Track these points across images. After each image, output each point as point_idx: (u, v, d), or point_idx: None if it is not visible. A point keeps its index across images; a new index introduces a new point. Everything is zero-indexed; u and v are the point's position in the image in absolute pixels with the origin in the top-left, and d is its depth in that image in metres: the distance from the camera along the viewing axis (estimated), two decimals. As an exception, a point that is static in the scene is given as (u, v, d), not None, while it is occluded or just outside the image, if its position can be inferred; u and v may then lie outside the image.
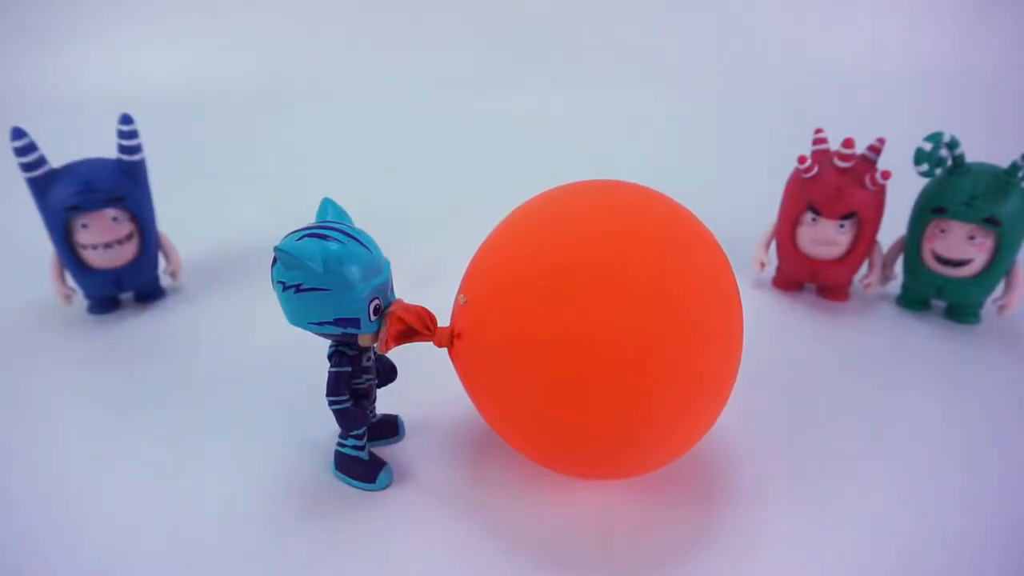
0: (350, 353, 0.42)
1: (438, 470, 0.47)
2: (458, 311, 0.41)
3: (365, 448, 0.45)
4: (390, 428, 0.50)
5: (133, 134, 0.66)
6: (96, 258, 0.65)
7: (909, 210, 0.68)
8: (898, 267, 0.71)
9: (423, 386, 0.54)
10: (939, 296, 0.67)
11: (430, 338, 0.41)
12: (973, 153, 0.65)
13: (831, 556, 0.40)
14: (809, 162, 0.66)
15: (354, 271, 0.37)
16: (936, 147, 0.63)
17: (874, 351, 0.63)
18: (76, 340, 0.65)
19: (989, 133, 1.01)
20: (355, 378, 0.43)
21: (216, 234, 0.90)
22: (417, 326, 0.40)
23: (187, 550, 0.40)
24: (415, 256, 0.80)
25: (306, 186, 1.11)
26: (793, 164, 0.68)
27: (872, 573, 0.39)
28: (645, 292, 0.35)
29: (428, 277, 0.75)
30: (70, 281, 0.68)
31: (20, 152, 0.61)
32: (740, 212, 0.75)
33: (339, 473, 0.45)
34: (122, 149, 0.66)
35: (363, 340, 0.40)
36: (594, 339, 0.35)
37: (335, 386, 0.41)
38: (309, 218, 0.42)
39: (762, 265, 0.74)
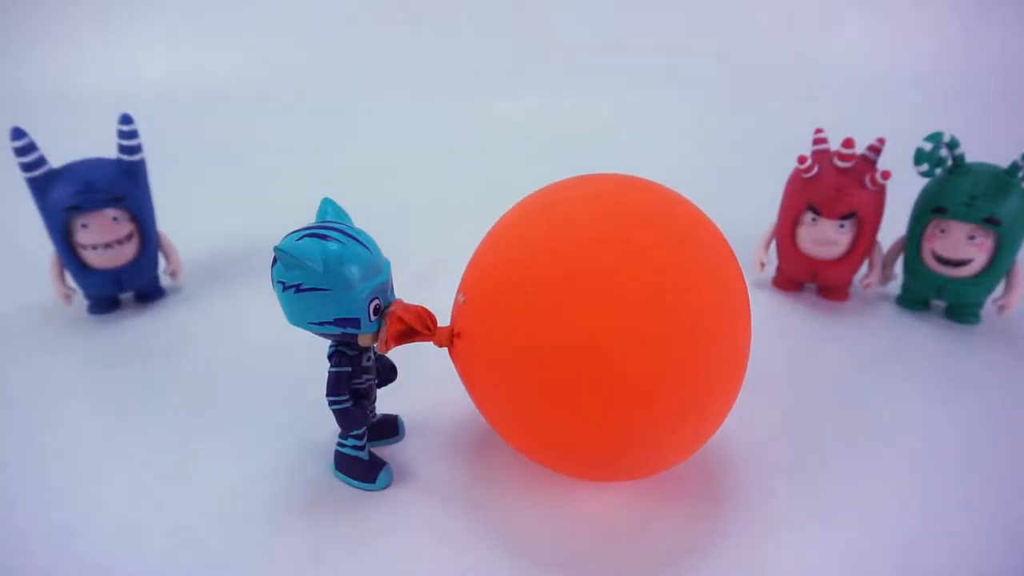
0: (350, 353, 0.42)
1: (438, 470, 0.47)
2: (458, 310, 0.41)
3: (365, 448, 0.45)
4: (390, 428, 0.50)
5: (133, 134, 0.66)
6: (96, 258, 0.65)
7: (909, 210, 0.68)
8: (898, 267, 0.71)
9: (423, 386, 0.54)
10: (939, 296, 0.67)
11: (430, 338, 0.41)
12: (973, 153, 0.65)
13: (832, 556, 0.40)
14: (809, 162, 0.66)
15: (354, 271, 0.37)
16: (936, 147, 0.63)
17: (874, 351, 0.63)
18: (76, 340, 0.65)
19: (989, 133, 1.01)
20: (355, 378, 0.43)
21: (216, 234, 0.90)
22: (417, 326, 0.40)
23: (187, 550, 0.40)
24: (415, 256, 0.80)
25: (306, 186, 1.11)
26: (793, 164, 0.68)
27: (872, 573, 0.39)
28: (649, 289, 0.34)
29: (428, 277, 0.75)
30: (70, 281, 0.68)
31: (20, 152, 0.61)
32: (740, 212, 0.75)
33: (339, 473, 0.45)
34: (122, 149, 0.66)
35: (363, 340, 0.40)
36: (596, 337, 0.34)
37: (335, 386, 0.41)
38: (309, 218, 0.42)
39: (762, 265, 0.74)
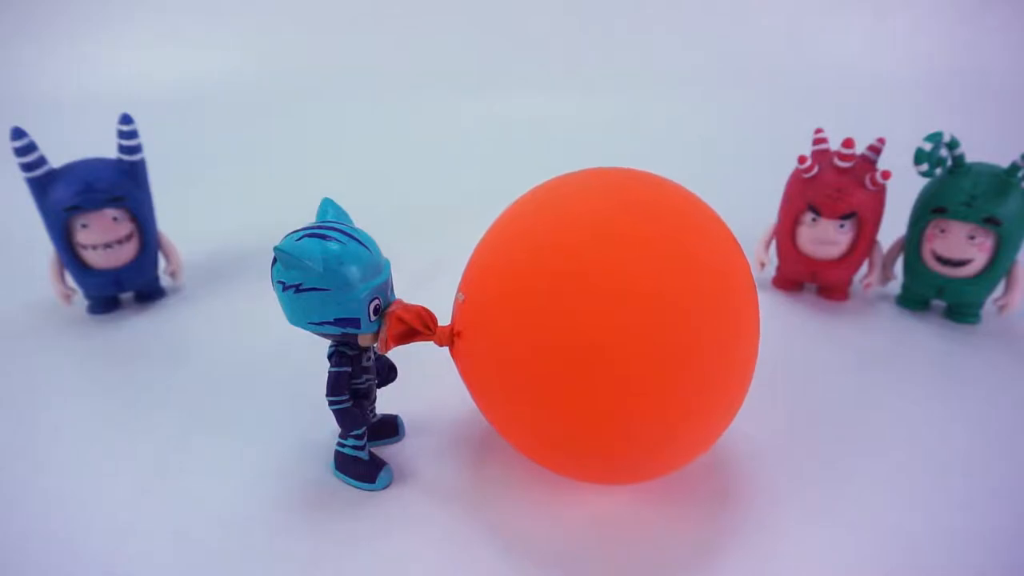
0: (350, 353, 0.42)
1: (438, 470, 0.47)
2: (458, 309, 0.41)
3: (365, 448, 0.45)
4: (390, 428, 0.50)
5: (133, 134, 0.66)
6: (96, 258, 0.65)
7: (909, 210, 0.68)
8: (898, 267, 0.71)
9: (423, 386, 0.54)
10: (939, 296, 0.67)
11: (431, 338, 0.41)
12: (973, 153, 0.65)
13: (832, 556, 0.40)
14: (809, 162, 0.66)
15: (354, 271, 0.37)
16: (936, 147, 0.63)
17: (874, 351, 0.63)
18: (76, 340, 0.65)
19: (989, 133, 1.01)
20: (355, 378, 0.43)
21: (216, 234, 0.90)
22: (417, 326, 0.40)
23: (187, 550, 0.40)
24: (415, 256, 0.80)
25: (306, 186, 1.11)
26: (793, 164, 0.68)
27: (872, 572, 0.39)
28: (654, 285, 0.33)
29: (428, 277, 0.75)
30: (70, 281, 0.68)
31: (20, 152, 0.61)
32: (740, 212, 0.74)
33: (339, 473, 0.45)
34: (122, 149, 0.66)
35: (363, 340, 0.40)
36: (598, 335, 0.33)
37: (335, 386, 0.41)
38: (309, 218, 0.42)
39: (762, 265, 0.74)
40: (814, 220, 0.67)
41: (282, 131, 1.44)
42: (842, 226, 0.66)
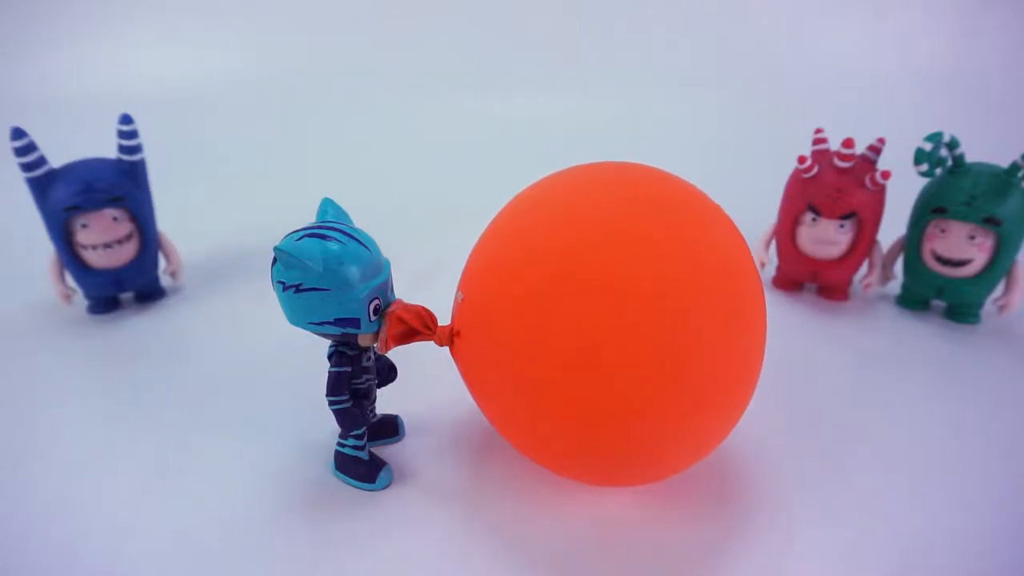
0: (350, 353, 0.42)
1: (438, 470, 0.47)
2: (457, 308, 0.41)
3: (365, 448, 0.45)
4: (390, 428, 0.50)
5: (133, 134, 0.66)
6: (96, 258, 0.65)
7: (909, 210, 0.68)
8: (898, 267, 0.71)
9: (423, 386, 0.54)
10: (939, 296, 0.67)
11: (431, 337, 0.41)
12: (973, 153, 0.65)
13: (833, 555, 0.40)
14: (809, 162, 0.66)
15: (354, 271, 0.37)
16: (936, 147, 0.63)
17: (874, 351, 0.63)
18: (76, 340, 0.65)
19: (989, 133, 1.01)
20: (355, 378, 0.43)
21: (216, 234, 0.90)
22: (417, 326, 0.40)
23: (187, 550, 0.40)
24: (415, 256, 0.80)
25: (306, 186, 1.11)
26: (793, 164, 0.68)
27: (872, 572, 0.39)
28: (656, 282, 0.32)
29: (428, 277, 0.75)
30: (70, 281, 0.68)
31: (20, 152, 0.61)
32: (740, 212, 0.74)
33: (339, 473, 0.45)
34: (122, 149, 0.66)
35: (363, 340, 0.40)
36: (599, 335, 0.32)
37: (335, 386, 0.41)
38: (309, 218, 0.42)
39: (762, 265, 0.74)
40: (814, 220, 0.67)
41: (282, 131, 1.44)
42: (842, 226, 0.66)
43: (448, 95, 1.55)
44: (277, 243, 0.38)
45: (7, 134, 0.61)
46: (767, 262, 0.74)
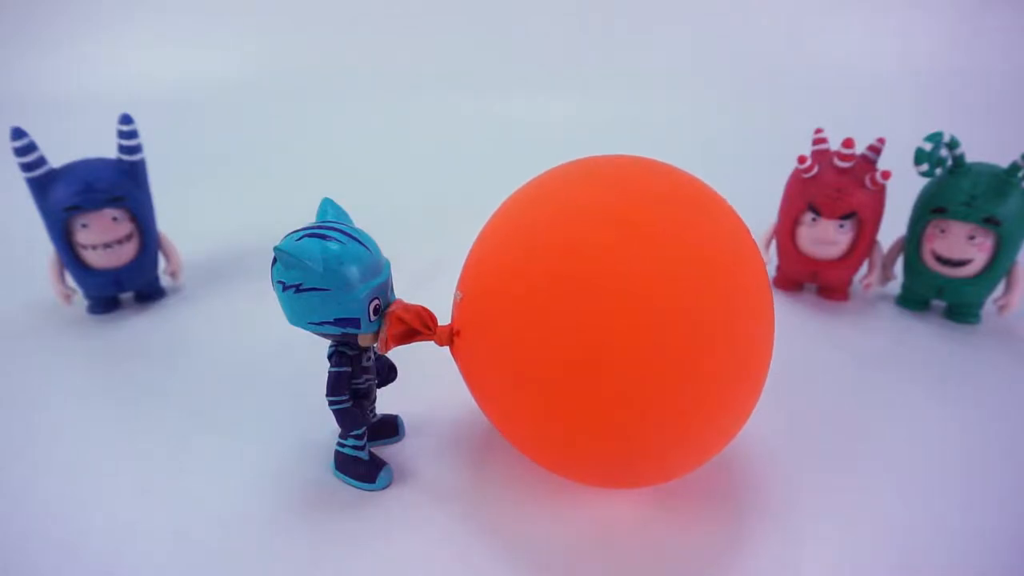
0: (350, 353, 0.42)
1: (438, 470, 0.47)
2: (457, 308, 0.41)
3: (365, 448, 0.45)
4: (390, 428, 0.50)
5: (133, 134, 0.66)
6: (96, 258, 0.65)
7: (909, 210, 0.68)
8: (898, 267, 0.71)
9: (423, 386, 0.54)
10: (939, 296, 0.67)
11: (431, 337, 0.41)
12: (973, 153, 0.65)
13: (832, 556, 0.40)
14: (809, 162, 0.66)
15: (354, 271, 0.37)
16: (936, 147, 0.63)
17: (874, 351, 0.63)
18: (76, 340, 0.65)
19: (989, 133, 1.01)
20: (355, 378, 0.43)
21: (216, 234, 0.90)
22: (417, 326, 0.40)
23: (187, 550, 0.40)
24: (415, 256, 0.80)
25: (306, 186, 1.11)
26: (793, 164, 0.68)
27: (872, 571, 0.39)
28: (659, 280, 0.32)
29: (428, 277, 0.75)
30: (70, 281, 0.68)
31: (20, 152, 0.61)
32: (740, 212, 0.75)
33: (339, 473, 0.45)
34: (122, 149, 0.66)
35: (363, 340, 0.40)
36: (601, 334, 0.32)
37: (335, 386, 0.41)
38: (309, 218, 0.42)
39: (762, 265, 0.74)
40: (814, 220, 0.67)
41: (282, 131, 1.44)
42: (842, 226, 0.66)
43: (448, 95, 1.55)
44: (277, 243, 0.38)
45: (7, 134, 0.61)
46: (767, 262, 0.74)
